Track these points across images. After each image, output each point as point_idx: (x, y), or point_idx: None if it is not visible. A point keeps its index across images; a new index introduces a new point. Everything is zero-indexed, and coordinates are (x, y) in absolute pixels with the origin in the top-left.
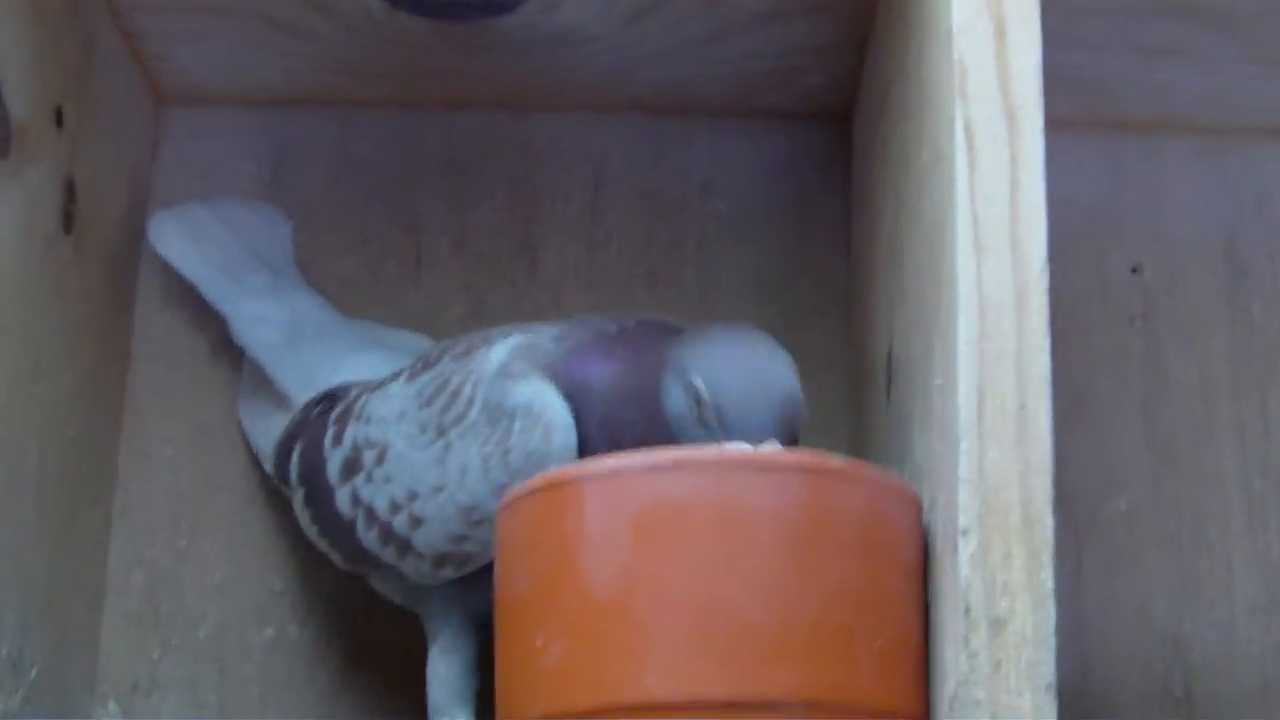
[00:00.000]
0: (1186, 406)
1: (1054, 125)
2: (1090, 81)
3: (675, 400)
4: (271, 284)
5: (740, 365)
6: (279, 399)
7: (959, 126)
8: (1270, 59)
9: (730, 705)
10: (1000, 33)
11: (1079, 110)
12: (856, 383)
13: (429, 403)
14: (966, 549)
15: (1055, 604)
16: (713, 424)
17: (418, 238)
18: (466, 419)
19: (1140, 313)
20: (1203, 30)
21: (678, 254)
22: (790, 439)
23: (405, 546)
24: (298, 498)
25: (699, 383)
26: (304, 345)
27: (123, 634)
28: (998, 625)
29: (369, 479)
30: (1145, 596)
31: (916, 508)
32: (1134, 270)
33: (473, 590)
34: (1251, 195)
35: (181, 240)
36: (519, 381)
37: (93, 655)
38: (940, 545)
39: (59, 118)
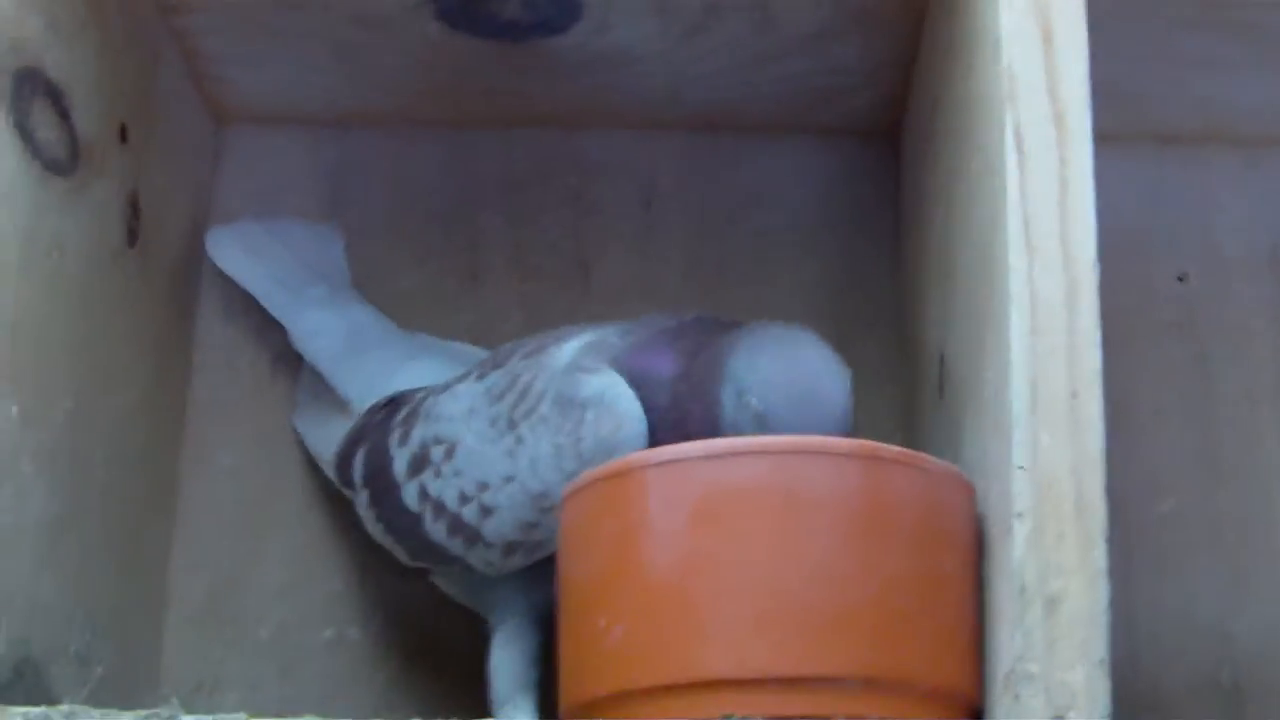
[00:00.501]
0: (1231, 412)
1: (1099, 138)
2: (1134, 95)
3: (730, 412)
4: (329, 296)
5: (793, 382)
6: (338, 406)
7: (1009, 131)
8: None
9: (788, 682)
10: (1048, 39)
11: (1124, 123)
12: (908, 392)
13: (500, 398)
14: (1021, 531)
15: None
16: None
17: (475, 254)
18: (538, 411)
19: (1186, 320)
20: (1244, 42)
21: (729, 269)
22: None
23: (475, 536)
24: (362, 498)
25: (754, 401)
26: (363, 354)
27: (186, 636)
28: (1052, 604)
29: (437, 474)
30: (1192, 595)
31: (970, 494)
32: (1180, 279)
33: (535, 583)
34: None
35: (240, 253)
36: (590, 375)
37: (156, 656)
38: (995, 529)
39: (123, 135)
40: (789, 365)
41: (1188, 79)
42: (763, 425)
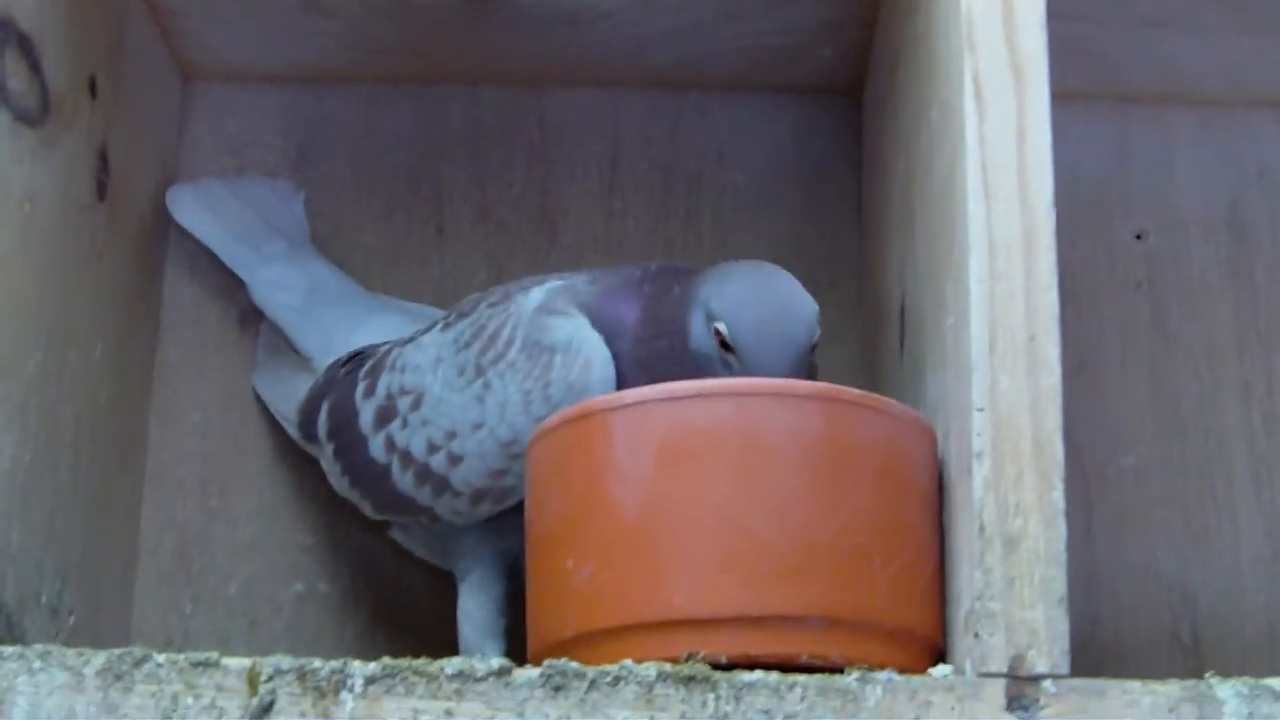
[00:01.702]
0: (1192, 368)
1: (1061, 98)
2: (1095, 55)
3: (699, 337)
4: (288, 252)
5: (758, 302)
6: (299, 362)
7: (968, 79)
8: (1271, 31)
9: (751, 620)
10: None
11: (1085, 83)
12: (870, 346)
13: (466, 346)
14: (980, 471)
15: (1065, 522)
16: (732, 360)
17: (440, 210)
18: (506, 358)
19: (1146, 278)
20: (1205, 3)
21: (693, 225)
22: (807, 373)
23: (443, 485)
24: (327, 452)
25: (721, 326)
26: (323, 308)
27: (155, 590)
28: (1011, 543)
29: (404, 424)
30: (1153, 550)
31: (931, 438)
32: (1138, 237)
33: (499, 532)
34: (1253, 164)
35: (200, 210)
36: (558, 319)
37: (127, 610)
38: (955, 472)
39: (93, 88)
40: (755, 289)
41: (1149, 39)
42: (728, 348)
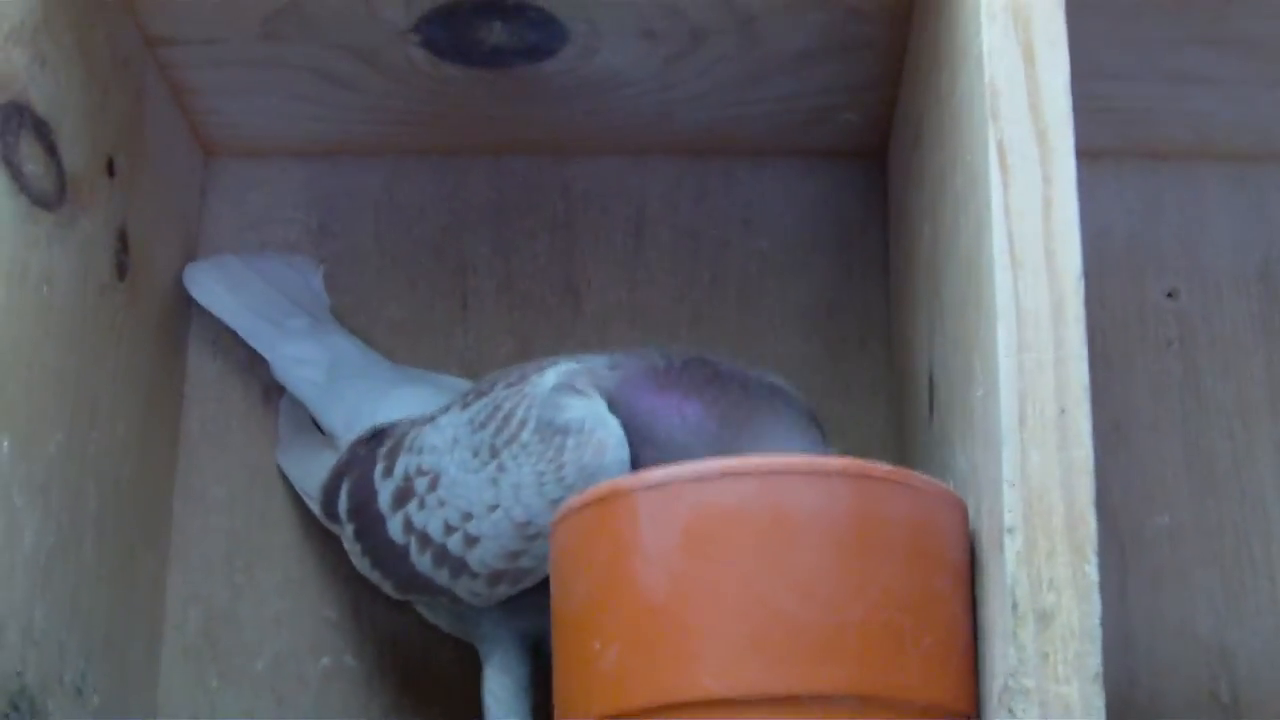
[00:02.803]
0: (1225, 427)
1: (1091, 155)
2: (1125, 111)
3: None
4: (310, 327)
5: None
6: (323, 439)
7: (992, 147)
8: None
9: (782, 700)
10: (1029, 56)
11: (1115, 140)
12: (900, 408)
13: (481, 427)
14: (1012, 546)
15: (1100, 598)
16: None
17: (464, 281)
18: (519, 439)
19: (1178, 337)
20: (1234, 58)
21: (720, 291)
22: None
23: (460, 566)
24: (348, 532)
25: None
26: (346, 383)
27: (181, 667)
28: (1044, 619)
29: (421, 505)
30: (1189, 610)
31: (962, 512)
32: (1170, 295)
33: (521, 612)
34: None
35: (218, 287)
36: (572, 400)
37: (153, 687)
38: (987, 546)
39: (110, 168)
40: None
41: (1179, 95)
42: None
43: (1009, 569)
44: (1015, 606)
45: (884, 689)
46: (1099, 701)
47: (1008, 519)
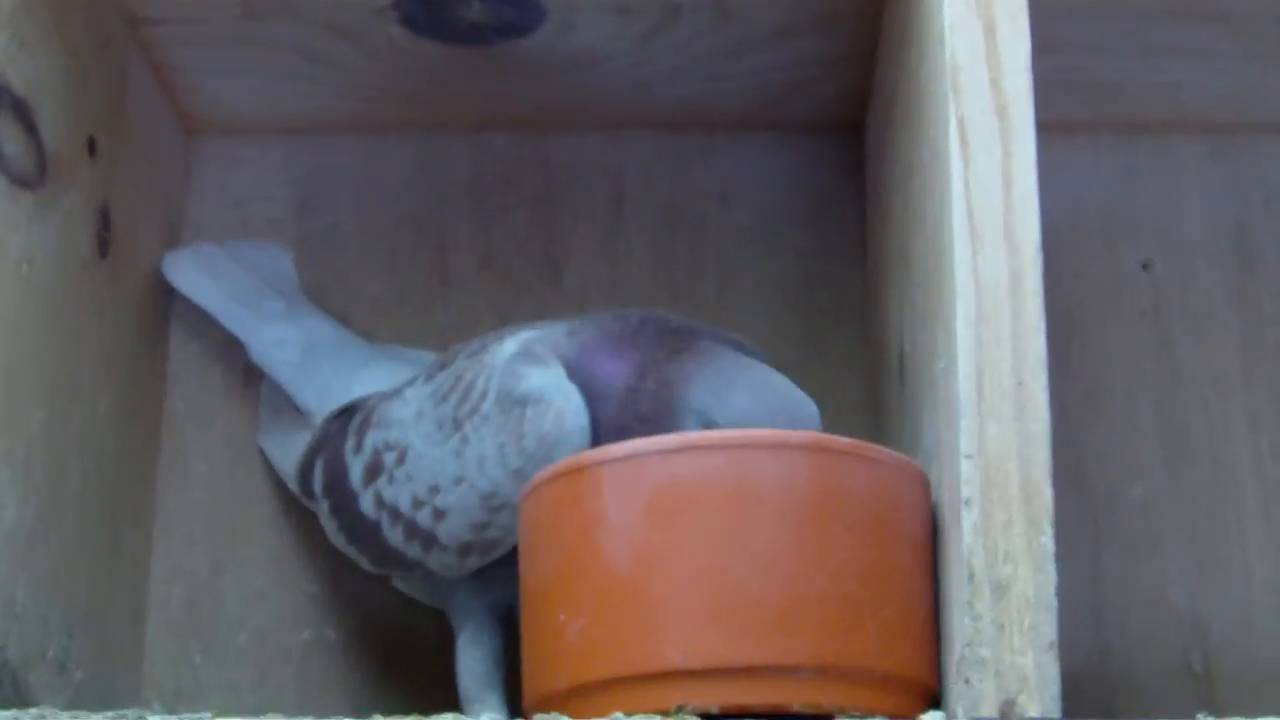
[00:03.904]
0: (1199, 397)
1: (1066, 127)
2: (1101, 83)
3: None
4: (285, 310)
5: (769, 417)
6: (299, 419)
7: (953, 124)
8: (1275, 56)
9: (744, 671)
10: (990, 31)
11: (1091, 112)
12: (874, 381)
13: (444, 399)
14: (969, 518)
15: (1055, 568)
16: None
17: (445, 257)
18: (480, 411)
19: (1152, 307)
20: (1208, 30)
21: (698, 265)
22: None
23: (430, 540)
24: (323, 508)
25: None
26: (321, 362)
27: (165, 641)
28: (1000, 589)
29: (390, 480)
30: (1163, 580)
31: (924, 485)
32: (1145, 266)
33: (494, 582)
34: (1260, 191)
35: (196, 273)
36: (530, 370)
37: (137, 661)
38: (946, 518)
39: (92, 147)
40: (760, 402)
41: (1154, 67)
42: None
43: (966, 540)
44: (972, 577)
45: (843, 659)
46: (1054, 671)
47: (965, 490)
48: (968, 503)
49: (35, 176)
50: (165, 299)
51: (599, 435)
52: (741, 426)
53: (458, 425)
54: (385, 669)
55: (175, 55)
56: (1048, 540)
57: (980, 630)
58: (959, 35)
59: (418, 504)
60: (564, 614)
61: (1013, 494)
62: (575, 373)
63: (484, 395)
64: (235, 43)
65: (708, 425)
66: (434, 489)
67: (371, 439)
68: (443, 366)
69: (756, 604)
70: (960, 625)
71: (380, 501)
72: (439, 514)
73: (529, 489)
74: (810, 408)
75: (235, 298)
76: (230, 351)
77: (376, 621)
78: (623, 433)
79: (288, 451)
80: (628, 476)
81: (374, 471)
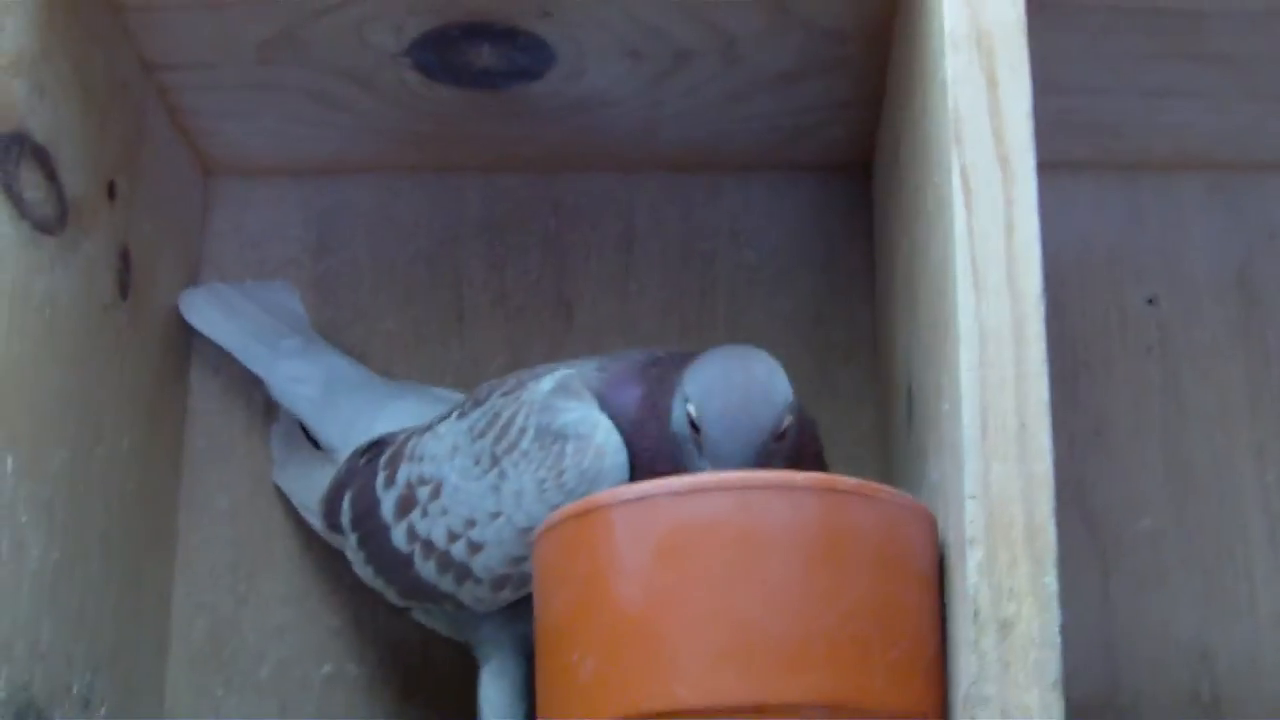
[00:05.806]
0: (1205, 431)
1: (1071, 166)
2: (1105, 124)
3: (677, 420)
4: (303, 347)
5: (728, 386)
6: (317, 454)
7: (955, 172)
8: (1276, 96)
9: (754, 709)
10: (992, 83)
11: (1095, 151)
12: (884, 418)
13: (481, 435)
14: (974, 558)
15: (1060, 606)
16: (699, 442)
17: (459, 295)
18: (519, 446)
19: (1157, 343)
20: (1210, 71)
21: (709, 304)
22: (772, 459)
23: (465, 573)
24: (351, 542)
25: (691, 408)
26: (342, 398)
27: (187, 675)
28: (1005, 628)
29: (424, 513)
30: (1171, 612)
31: (930, 524)
32: (1150, 302)
33: (520, 617)
34: (1263, 227)
35: (213, 312)
36: (568, 407)
37: (160, 696)
38: (952, 557)
39: (111, 191)
40: (726, 373)
41: (1157, 108)
42: (696, 429)
43: (971, 579)
44: (977, 615)
45: (852, 698)
46: (1059, 708)
47: (969, 530)
48: (972, 542)
49: (57, 222)
50: (185, 338)
51: (633, 458)
52: (706, 398)
53: (495, 461)
54: (406, 702)
55: (192, 99)
56: (1051, 579)
57: (986, 668)
58: (961, 87)
59: (453, 538)
60: (576, 654)
61: (1017, 534)
62: (605, 405)
63: (523, 431)
64: (251, 87)
65: (684, 400)
66: (470, 523)
67: (404, 472)
68: (477, 403)
69: (766, 643)
70: (966, 663)
71: (413, 535)
72: (474, 547)
73: (542, 530)
74: (777, 388)
75: (252, 335)
76: (250, 388)
77: (397, 655)
78: (640, 452)
79: (308, 486)
80: (638, 518)
81: (407, 505)
